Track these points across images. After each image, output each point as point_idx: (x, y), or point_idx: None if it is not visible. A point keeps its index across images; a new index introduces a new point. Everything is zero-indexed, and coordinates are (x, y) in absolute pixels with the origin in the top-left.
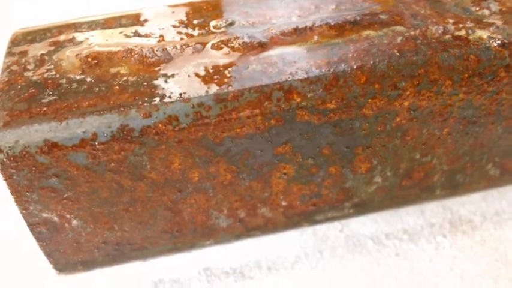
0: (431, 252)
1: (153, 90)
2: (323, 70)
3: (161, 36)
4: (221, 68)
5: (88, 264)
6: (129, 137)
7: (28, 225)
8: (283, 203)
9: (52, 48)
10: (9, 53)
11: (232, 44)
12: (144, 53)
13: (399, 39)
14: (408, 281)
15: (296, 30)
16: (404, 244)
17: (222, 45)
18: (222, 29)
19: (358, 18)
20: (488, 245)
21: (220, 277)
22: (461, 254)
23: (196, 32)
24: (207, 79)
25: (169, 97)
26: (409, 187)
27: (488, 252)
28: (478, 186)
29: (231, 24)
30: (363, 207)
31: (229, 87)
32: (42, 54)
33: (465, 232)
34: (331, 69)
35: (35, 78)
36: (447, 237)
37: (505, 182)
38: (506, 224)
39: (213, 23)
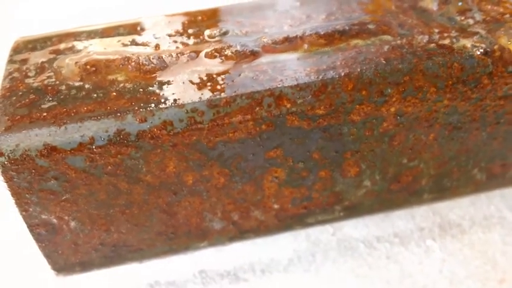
0: (421, 255)
1: (148, 96)
2: (312, 77)
3: (157, 45)
4: (214, 75)
5: (86, 266)
6: (125, 141)
7: (28, 227)
8: (275, 206)
9: (52, 56)
10: (11, 61)
11: (225, 53)
12: (140, 61)
13: (386, 47)
14: (398, 284)
15: (287, 39)
16: (395, 247)
17: (216, 54)
18: (216, 38)
19: (347, 27)
20: (477, 249)
21: (215, 279)
22: (451, 257)
23: (191, 41)
24: (200, 86)
25: (164, 103)
26: (398, 191)
27: (477, 256)
28: (465, 191)
29: (225, 33)
30: (353, 211)
31: (222, 94)
32: (42, 62)
33: (454, 236)
34: (320, 77)
35: (35, 84)
36: (437, 241)
37: (491, 186)
38: (494, 228)
39: (207, 32)
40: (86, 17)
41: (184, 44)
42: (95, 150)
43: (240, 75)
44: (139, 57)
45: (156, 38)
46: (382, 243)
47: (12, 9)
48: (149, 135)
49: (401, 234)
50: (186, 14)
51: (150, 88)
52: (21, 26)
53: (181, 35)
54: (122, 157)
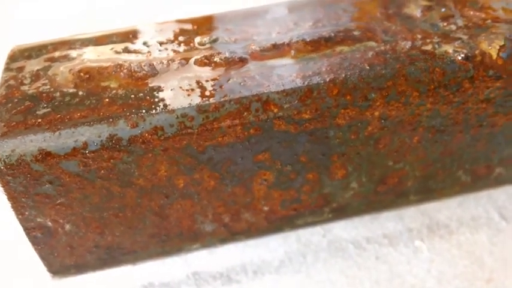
0: (410, 255)
1: (140, 102)
2: (298, 83)
3: (149, 52)
4: (203, 82)
5: (81, 268)
6: (117, 146)
7: (24, 230)
8: (265, 208)
9: (47, 64)
10: (7, 69)
11: (214, 59)
12: (132, 68)
13: (370, 53)
14: (387, 284)
15: (275, 46)
16: (384, 248)
17: (205, 61)
18: (206, 45)
19: (333, 34)
20: (464, 249)
21: (208, 281)
22: (439, 257)
23: (181, 48)
24: (190, 92)
25: (155, 109)
26: (384, 192)
27: (464, 256)
28: (451, 192)
29: (215, 40)
30: (341, 212)
31: (211, 99)
32: (38, 70)
33: (442, 236)
34: (306, 82)
35: (30, 92)
36: (425, 242)
37: (477, 187)
38: (481, 229)
39: (197, 40)
40: (86, 17)
41: (175, 51)
42: (88, 155)
43: (228, 81)
44: (131, 65)
45: (147, 46)
46: (371, 244)
47: (12, 10)
48: (141, 140)
49: (390, 235)
50: (178, 21)
51: (142, 94)
52: (21, 26)
53: (172, 42)
54: (114, 161)
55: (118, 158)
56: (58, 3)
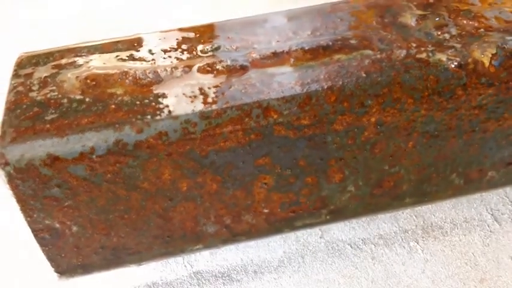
0: (405, 256)
1: (145, 108)
2: (297, 90)
3: (153, 59)
4: (206, 89)
5: (87, 268)
6: (123, 151)
7: (32, 232)
8: (265, 210)
9: (55, 71)
10: (15, 75)
11: (216, 67)
12: (137, 75)
13: (366, 62)
14: (383, 283)
15: (275, 54)
16: (379, 249)
17: (208, 68)
18: (208, 53)
19: (331, 43)
20: (458, 250)
21: (210, 280)
22: (433, 257)
23: (184, 56)
24: (193, 98)
25: (160, 115)
26: (380, 195)
27: (458, 256)
28: (444, 195)
29: (217, 48)
30: (338, 214)
31: (213, 106)
32: (45, 77)
33: (436, 238)
34: (305, 89)
35: (39, 98)
36: (419, 243)
37: (470, 190)
38: (474, 231)
39: (200, 48)
40: (86, 17)
41: (179, 59)
42: (95, 159)
43: (230, 88)
44: (136, 72)
45: (152, 54)
46: (367, 245)
47: (12, 10)
48: (146, 145)
49: (385, 236)
50: (180, 30)
51: (147, 101)
52: (21, 26)
53: (176, 50)
54: (120, 166)
55: (124, 162)
56: (58, 3)
